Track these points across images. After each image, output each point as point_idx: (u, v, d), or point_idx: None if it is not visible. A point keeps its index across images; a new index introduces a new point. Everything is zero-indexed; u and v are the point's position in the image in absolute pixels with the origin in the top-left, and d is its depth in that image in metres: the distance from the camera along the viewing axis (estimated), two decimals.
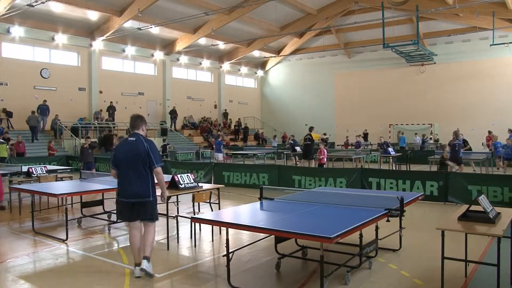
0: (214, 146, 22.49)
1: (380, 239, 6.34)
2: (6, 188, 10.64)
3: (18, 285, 5.68)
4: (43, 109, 23.65)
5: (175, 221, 7.69)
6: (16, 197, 10.84)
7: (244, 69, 38.98)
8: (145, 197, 5.66)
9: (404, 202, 5.69)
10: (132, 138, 5.74)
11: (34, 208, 8.80)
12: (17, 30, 23.31)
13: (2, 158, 17.89)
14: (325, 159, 16.78)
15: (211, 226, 7.61)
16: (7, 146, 18.96)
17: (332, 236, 4.36)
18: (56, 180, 10.95)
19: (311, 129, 18.49)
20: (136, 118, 5.90)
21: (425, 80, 32.09)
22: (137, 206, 5.69)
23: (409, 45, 26.26)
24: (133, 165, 5.65)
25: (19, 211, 10.45)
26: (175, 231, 7.74)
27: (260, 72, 40.63)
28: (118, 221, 8.92)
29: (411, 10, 24.82)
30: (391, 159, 20.11)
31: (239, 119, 36.57)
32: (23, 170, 11.62)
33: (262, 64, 40.14)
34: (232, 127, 35.94)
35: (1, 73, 22.93)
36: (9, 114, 23.09)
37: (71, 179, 11.38)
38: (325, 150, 17.09)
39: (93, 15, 25.05)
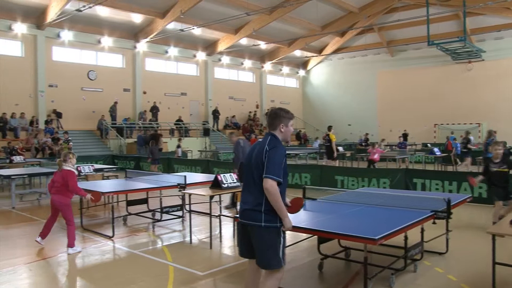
0: None
1: (425, 242, 6.18)
2: None
3: (69, 278, 5.93)
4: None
5: (218, 220, 7.76)
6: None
7: (285, 69, 38.89)
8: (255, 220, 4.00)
9: (451, 204, 5.53)
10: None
11: (83, 205, 9.09)
12: (66, 35, 24.23)
13: None
14: (376, 156, 16.42)
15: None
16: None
17: (376, 238, 4.29)
18: (103, 179, 11.25)
19: (329, 128, 17.92)
20: (271, 115, 4.28)
21: (473, 78, 30.99)
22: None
23: (455, 42, 25.48)
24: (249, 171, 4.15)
25: None
26: (218, 230, 7.82)
27: (301, 72, 40.45)
28: (162, 219, 9.11)
29: (458, 5, 24.09)
30: (456, 159, 19.36)
31: None
32: None
33: (303, 63, 39.95)
34: None
35: (52, 75, 23.89)
36: (59, 115, 24.02)
37: (117, 178, 11.69)
38: (379, 149, 16.86)
39: (137, 18, 25.69)
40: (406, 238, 5.61)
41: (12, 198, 11.53)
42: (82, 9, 20.46)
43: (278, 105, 36.76)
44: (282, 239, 4.00)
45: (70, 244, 6.96)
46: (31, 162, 16.78)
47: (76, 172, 7.29)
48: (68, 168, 7.02)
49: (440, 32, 27.35)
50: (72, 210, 7.23)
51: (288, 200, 4.30)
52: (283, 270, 4.11)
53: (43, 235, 7.33)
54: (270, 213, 3.91)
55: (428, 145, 26.49)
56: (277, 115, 4.18)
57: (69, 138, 20.74)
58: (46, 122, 23.17)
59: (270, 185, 3.84)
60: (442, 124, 31.84)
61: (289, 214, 4.06)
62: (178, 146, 22.17)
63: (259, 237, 3.97)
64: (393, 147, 25.57)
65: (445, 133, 27.58)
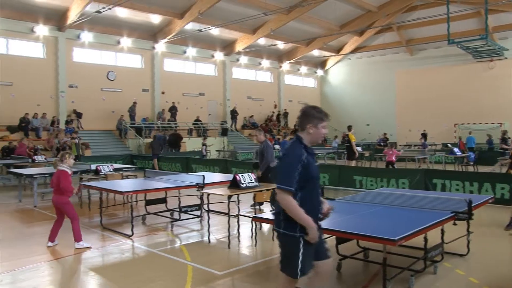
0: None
1: (446, 243, 6.09)
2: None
3: (89, 276, 6.01)
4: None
5: (236, 220, 7.77)
6: (86, 194, 11.40)
7: (303, 69, 38.79)
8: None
9: (473, 205, 5.44)
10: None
11: (102, 204, 9.19)
12: (86, 36, 24.57)
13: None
14: (394, 157, 16.30)
15: (271, 225, 7.63)
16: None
17: (395, 239, 4.25)
18: (122, 178, 11.36)
19: (349, 128, 17.67)
20: (301, 113, 3.75)
21: (495, 76, 30.42)
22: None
23: (476, 40, 25.01)
24: None
25: (88, 207, 11.01)
26: (236, 230, 7.84)
27: (320, 72, 40.28)
28: (181, 219, 9.17)
29: (479, 3, 23.64)
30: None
31: None
32: (92, 168, 12.20)
33: (321, 63, 39.78)
34: (292, 126, 35.77)
35: (73, 76, 24.26)
36: (79, 115, 24.37)
37: (136, 177, 11.80)
38: (395, 150, 16.77)
39: (156, 19, 25.90)
40: (426, 239, 5.54)
41: (34, 197, 11.73)
42: (101, 10, 20.73)
43: (296, 105, 36.92)
44: (302, 250, 3.61)
45: (77, 239, 7.14)
46: (52, 162, 17.02)
47: (70, 172, 7.38)
48: (62, 168, 7.17)
49: (461, 30, 26.91)
50: (73, 206, 7.36)
51: (327, 206, 3.93)
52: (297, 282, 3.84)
53: (52, 239, 7.41)
54: (289, 220, 3.56)
55: (448, 145, 26.13)
56: (307, 114, 3.67)
57: (79, 136, 20.87)
58: (67, 122, 23.54)
59: (278, 195, 3.54)
60: (462, 123, 31.35)
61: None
62: (203, 145, 22.75)
63: (279, 242, 3.80)
64: (417, 147, 25.24)
65: (466, 133, 27.12)
